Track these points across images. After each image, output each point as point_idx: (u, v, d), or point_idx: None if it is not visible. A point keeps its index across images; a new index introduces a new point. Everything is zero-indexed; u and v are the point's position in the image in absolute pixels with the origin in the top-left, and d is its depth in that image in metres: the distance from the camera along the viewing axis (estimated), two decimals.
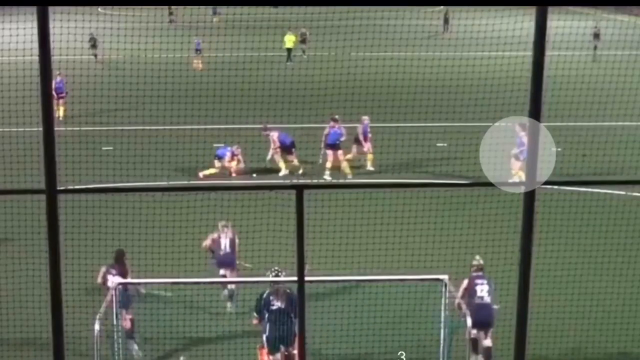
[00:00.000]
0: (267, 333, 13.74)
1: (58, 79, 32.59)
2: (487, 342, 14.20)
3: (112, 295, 13.34)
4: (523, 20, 18.68)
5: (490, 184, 8.05)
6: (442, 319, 13.49)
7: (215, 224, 17.13)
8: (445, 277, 13.49)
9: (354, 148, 26.79)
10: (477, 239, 17.35)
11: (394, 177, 24.92)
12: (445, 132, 29.78)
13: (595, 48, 50.80)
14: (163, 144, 26.27)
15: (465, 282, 14.44)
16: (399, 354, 14.18)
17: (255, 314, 13.79)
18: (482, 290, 14.26)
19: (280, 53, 49.76)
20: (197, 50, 48.00)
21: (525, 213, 5.64)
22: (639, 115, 31.57)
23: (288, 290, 13.71)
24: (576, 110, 27.89)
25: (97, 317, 12.97)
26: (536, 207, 5.73)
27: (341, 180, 25.25)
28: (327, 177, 25.61)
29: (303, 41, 52.96)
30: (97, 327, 12.91)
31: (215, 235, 16.90)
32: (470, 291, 14.28)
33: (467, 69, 28.98)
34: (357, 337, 14.75)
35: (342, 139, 26.10)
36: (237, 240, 16.91)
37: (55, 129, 5.58)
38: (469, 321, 13.15)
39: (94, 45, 48.14)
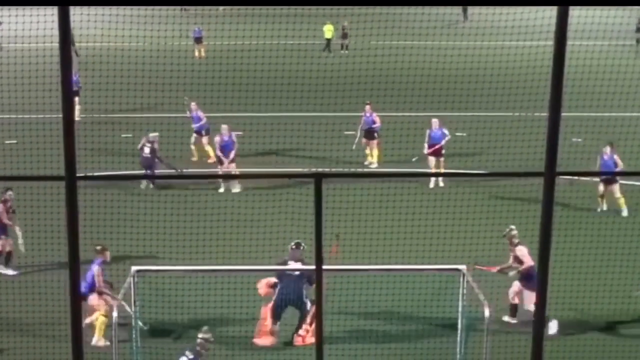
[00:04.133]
0: (275, 296, 14.07)
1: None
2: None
3: (129, 283, 13.39)
4: (544, 10, 18.54)
5: (509, 174, 8.01)
6: (460, 309, 13.48)
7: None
8: (463, 267, 13.48)
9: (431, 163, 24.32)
10: (497, 229, 17.31)
11: (413, 167, 24.82)
12: (464, 121, 29.66)
13: (638, 41, 50.32)
14: (183, 131, 26.31)
15: (527, 248, 15.21)
16: None
17: (275, 278, 14.53)
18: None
19: (285, 42, 49.59)
20: (197, 38, 47.58)
21: (544, 203, 5.60)
22: None
23: (306, 260, 14.26)
24: (597, 101, 27.71)
25: (115, 303, 13.04)
26: (555, 197, 5.69)
27: (359, 170, 25.19)
28: (370, 163, 25.70)
29: (344, 36, 49.92)
30: (115, 313, 12.97)
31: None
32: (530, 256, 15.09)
33: (487, 59, 28.86)
34: (375, 326, 14.75)
35: (374, 126, 25.91)
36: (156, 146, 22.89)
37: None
38: (487, 312, 13.07)
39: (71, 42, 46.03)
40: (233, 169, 23.39)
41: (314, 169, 24.07)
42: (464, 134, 27.96)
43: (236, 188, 23.02)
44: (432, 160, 24.10)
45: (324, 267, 6.15)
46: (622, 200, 21.42)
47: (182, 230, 18.39)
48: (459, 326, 13.54)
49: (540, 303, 5.77)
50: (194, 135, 26.25)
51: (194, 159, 25.96)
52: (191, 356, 12.56)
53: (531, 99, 23.40)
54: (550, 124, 5.54)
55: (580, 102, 26.42)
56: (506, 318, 15.43)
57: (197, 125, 26.23)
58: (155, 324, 14.65)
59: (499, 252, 16.16)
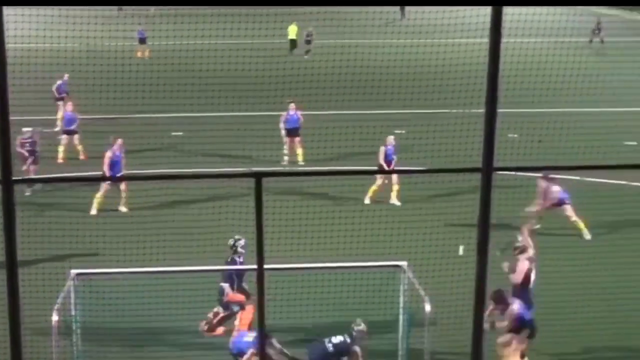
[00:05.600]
0: None
1: (66, 77, 30.38)
2: None
3: (69, 286, 13.23)
4: (479, 7, 18.76)
5: (447, 170, 8.14)
6: (401, 305, 13.58)
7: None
8: (404, 263, 13.58)
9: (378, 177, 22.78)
10: (436, 225, 17.48)
11: (352, 164, 24.95)
12: (402, 119, 29.89)
13: (591, 42, 51.26)
14: (120, 132, 26.04)
15: (527, 263, 14.18)
16: None
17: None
18: (534, 275, 14.26)
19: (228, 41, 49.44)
20: (141, 39, 47.17)
21: (482, 198, 5.69)
22: (591, 102, 31.94)
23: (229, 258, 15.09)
24: (532, 97, 28.16)
25: (55, 307, 12.86)
26: (493, 193, 5.78)
27: (300, 168, 25.24)
28: (285, 164, 25.62)
29: (308, 42, 48.50)
30: (54, 317, 12.80)
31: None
32: (526, 276, 14.15)
33: (424, 56, 29.08)
34: (315, 325, 14.77)
35: (300, 123, 26.10)
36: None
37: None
38: (427, 307, 13.19)
39: None
40: (123, 188, 21.62)
41: (254, 169, 24.04)
42: (402, 131, 28.17)
43: (124, 207, 21.69)
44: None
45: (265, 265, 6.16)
46: (581, 223, 19.91)
47: (116, 232, 18.20)
48: (400, 322, 13.65)
49: (478, 298, 5.86)
50: (65, 136, 26.12)
51: (61, 160, 25.79)
52: (349, 339, 13.19)
53: (468, 96, 23.66)
54: (487, 120, 5.63)
55: (515, 99, 26.82)
56: None
57: (74, 126, 26.17)
58: (97, 328, 14.45)
59: (439, 247, 16.32)
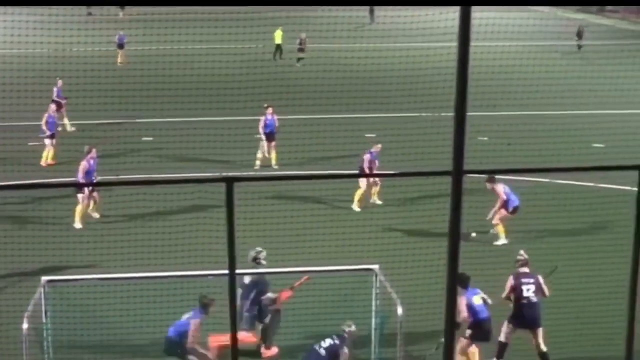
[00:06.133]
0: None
1: (60, 82, 29.59)
2: (542, 348, 14.05)
3: (40, 293, 13.14)
4: (448, 12, 18.88)
5: (417, 174, 8.18)
6: (374, 309, 13.61)
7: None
8: (376, 267, 13.60)
9: (362, 182, 22.53)
10: (408, 229, 17.54)
11: (323, 169, 24.99)
12: (373, 123, 29.98)
13: (579, 47, 51.09)
14: (91, 138, 25.94)
15: (511, 279, 14.22)
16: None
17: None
18: (529, 290, 14.14)
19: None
20: (120, 45, 46.69)
21: (452, 201, 5.72)
22: (560, 105, 32.26)
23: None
24: (501, 100, 28.34)
25: (25, 315, 12.77)
26: (464, 196, 5.82)
27: (271, 173, 25.23)
28: (257, 168, 25.59)
29: (301, 49, 45.68)
30: (25, 325, 12.69)
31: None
32: (516, 290, 14.14)
33: (393, 60, 29.22)
34: (289, 329, 14.79)
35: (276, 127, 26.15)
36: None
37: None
38: (400, 310, 13.23)
39: None
40: (94, 196, 21.61)
41: (225, 173, 23.98)
42: (373, 135, 28.27)
43: (95, 214, 21.67)
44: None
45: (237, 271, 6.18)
46: (500, 228, 19.65)
47: (95, 237, 18.10)
48: (373, 326, 13.67)
49: (449, 305, 5.88)
50: (50, 140, 26.06)
51: (44, 164, 25.82)
52: (337, 341, 13.23)
53: (437, 99, 23.81)
54: (456, 123, 5.66)
55: (485, 102, 27.00)
56: None
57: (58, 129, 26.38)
58: (69, 336, 14.34)
59: (410, 250, 16.37)
